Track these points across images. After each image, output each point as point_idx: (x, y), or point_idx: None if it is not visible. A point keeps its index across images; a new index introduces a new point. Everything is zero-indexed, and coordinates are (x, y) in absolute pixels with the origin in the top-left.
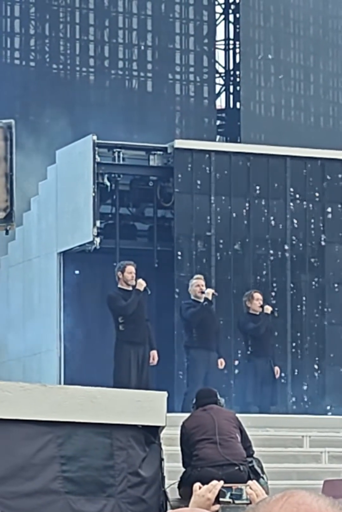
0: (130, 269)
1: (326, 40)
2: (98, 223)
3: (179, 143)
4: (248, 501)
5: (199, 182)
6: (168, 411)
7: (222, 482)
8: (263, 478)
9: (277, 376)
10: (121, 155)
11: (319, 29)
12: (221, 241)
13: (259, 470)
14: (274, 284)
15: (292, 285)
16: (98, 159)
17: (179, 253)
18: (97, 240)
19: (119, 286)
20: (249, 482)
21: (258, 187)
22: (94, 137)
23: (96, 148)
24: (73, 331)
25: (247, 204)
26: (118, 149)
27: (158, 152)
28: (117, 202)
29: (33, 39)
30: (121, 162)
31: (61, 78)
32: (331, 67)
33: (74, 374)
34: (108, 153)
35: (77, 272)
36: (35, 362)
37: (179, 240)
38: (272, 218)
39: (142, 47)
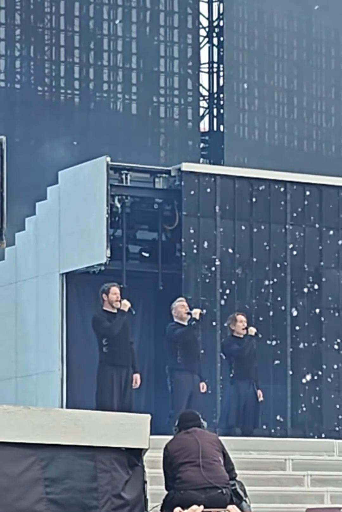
0: (115, 290)
1: (309, 63)
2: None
3: (186, 166)
4: None
5: (205, 205)
6: (167, 433)
7: (202, 507)
8: (245, 501)
9: (260, 399)
10: (128, 177)
11: (303, 53)
12: (225, 265)
13: (242, 493)
14: (273, 309)
15: (291, 310)
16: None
17: (191, 276)
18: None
19: (104, 308)
20: (228, 506)
21: (259, 212)
22: (108, 159)
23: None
24: (75, 352)
25: (250, 228)
26: (126, 171)
27: (164, 175)
28: (123, 224)
29: (19, 61)
30: (128, 184)
31: (46, 100)
32: (314, 91)
33: (76, 396)
34: (114, 175)
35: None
36: (31, 383)
37: (185, 263)
38: (272, 242)
39: (127, 70)
